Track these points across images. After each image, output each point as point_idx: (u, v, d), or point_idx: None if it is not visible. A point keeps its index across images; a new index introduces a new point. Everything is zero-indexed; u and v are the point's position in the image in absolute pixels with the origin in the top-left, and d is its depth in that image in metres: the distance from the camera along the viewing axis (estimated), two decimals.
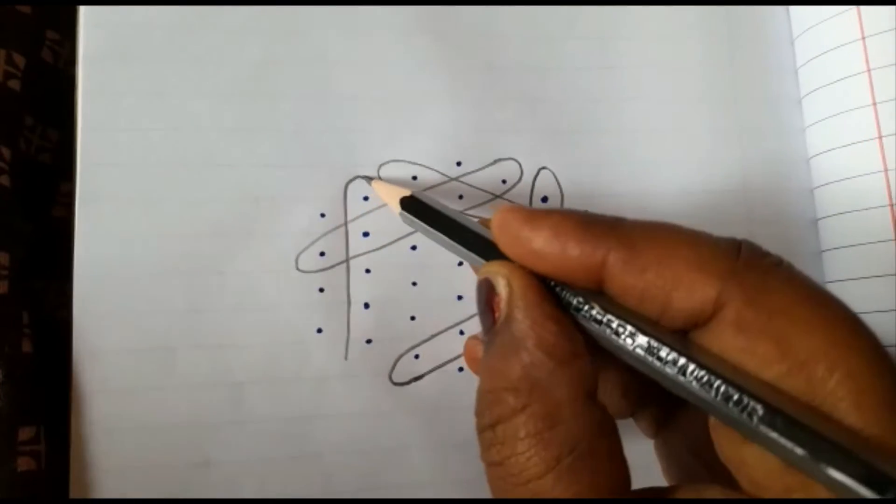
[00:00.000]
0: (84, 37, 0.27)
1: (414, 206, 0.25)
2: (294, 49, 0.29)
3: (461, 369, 0.28)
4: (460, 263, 0.29)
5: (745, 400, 0.16)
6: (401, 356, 0.28)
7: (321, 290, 0.28)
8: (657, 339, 0.18)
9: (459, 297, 0.28)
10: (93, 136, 0.27)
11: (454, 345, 0.28)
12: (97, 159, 0.27)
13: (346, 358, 0.27)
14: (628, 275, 0.18)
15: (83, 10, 0.27)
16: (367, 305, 0.28)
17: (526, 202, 0.29)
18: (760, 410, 0.16)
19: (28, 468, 0.25)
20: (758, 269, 0.18)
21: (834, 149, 0.30)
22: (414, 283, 0.28)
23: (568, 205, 0.29)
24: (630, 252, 0.18)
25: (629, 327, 0.18)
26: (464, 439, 0.27)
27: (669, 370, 0.17)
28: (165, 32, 0.28)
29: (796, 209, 0.31)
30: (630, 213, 0.29)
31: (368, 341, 0.28)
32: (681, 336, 0.18)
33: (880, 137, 0.29)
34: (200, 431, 0.26)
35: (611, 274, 0.18)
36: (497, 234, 0.20)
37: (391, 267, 0.28)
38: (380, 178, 0.28)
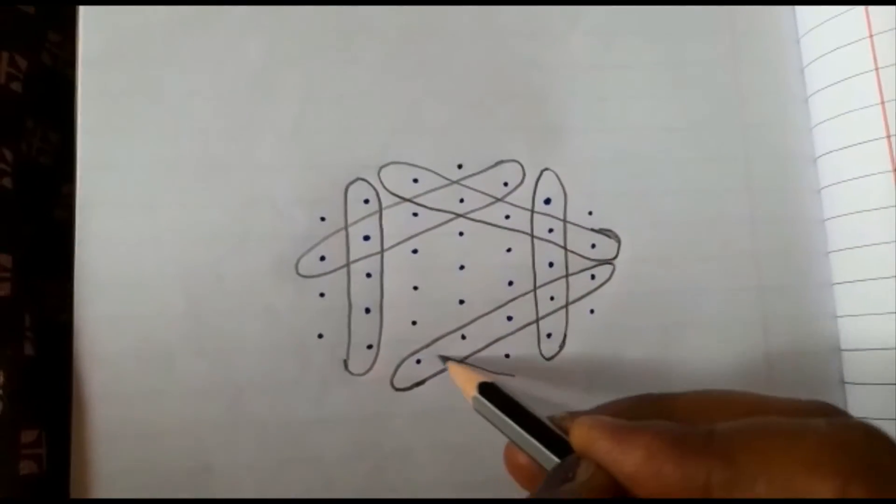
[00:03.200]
0: (84, 39, 0.27)
1: (491, 393, 0.24)
2: (293, 51, 0.28)
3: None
4: (462, 267, 0.28)
5: None
6: (402, 361, 0.28)
7: (322, 294, 0.27)
8: None
9: (461, 302, 0.28)
10: (92, 138, 0.27)
11: (456, 349, 0.28)
12: (97, 163, 0.27)
13: (347, 363, 0.27)
14: (737, 493, 0.17)
15: (82, 13, 0.27)
16: (367, 310, 0.28)
17: (528, 204, 0.29)
18: None
19: (30, 471, 0.25)
20: (876, 459, 0.17)
21: (841, 148, 0.30)
22: (415, 288, 0.28)
23: (571, 205, 0.29)
24: (734, 470, 0.17)
25: None
26: (465, 444, 0.27)
27: None
28: (164, 35, 0.28)
29: (803, 209, 0.31)
30: (634, 214, 0.29)
31: (369, 346, 0.28)
32: None
33: (888, 136, 0.28)
34: (201, 436, 0.26)
35: (717, 495, 0.17)
36: (582, 452, 0.20)
37: (392, 271, 0.28)
38: (457, 362, 0.27)
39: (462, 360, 0.28)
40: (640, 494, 0.18)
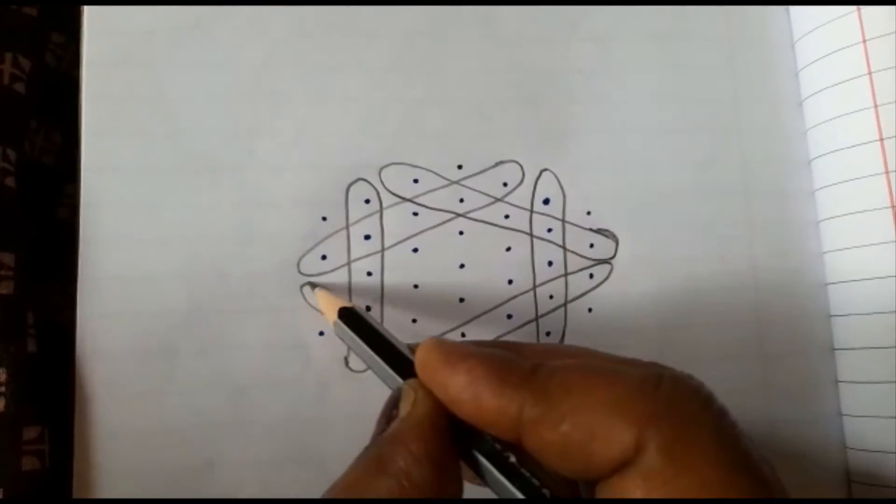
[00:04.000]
0: (88, 40, 0.27)
1: (351, 318, 0.24)
2: (295, 52, 0.29)
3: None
4: (462, 266, 0.29)
5: None
6: None
7: None
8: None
9: (461, 300, 0.28)
10: (96, 140, 0.27)
11: None
12: (100, 163, 0.27)
13: (348, 361, 0.28)
14: (545, 430, 0.17)
15: (87, 14, 0.27)
16: (368, 308, 0.28)
17: (528, 204, 0.29)
18: None
19: (33, 467, 0.25)
20: (680, 414, 0.16)
21: (835, 151, 0.30)
22: (416, 286, 0.28)
23: (570, 206, 0.30)
24: (545, 404, 0.17)
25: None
26: None
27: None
28: (168, 36, 0.28)
29: (798, 211, 0.31)
30: (632, 214, 0.29)
31: None
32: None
33: (881, 140, 0.29)
34: (203, 433, 0.26)
35: (527, 429, 0.17)
36: (419, 372, 0.20)
37: (393, 270, 0.28)
38: (322, 287, 0.27)
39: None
40: (462, 417, 0.18)
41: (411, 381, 0.20)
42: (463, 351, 0.19)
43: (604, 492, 0.17)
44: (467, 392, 0.18)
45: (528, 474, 0.18)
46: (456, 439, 0.19)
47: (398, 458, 0.17)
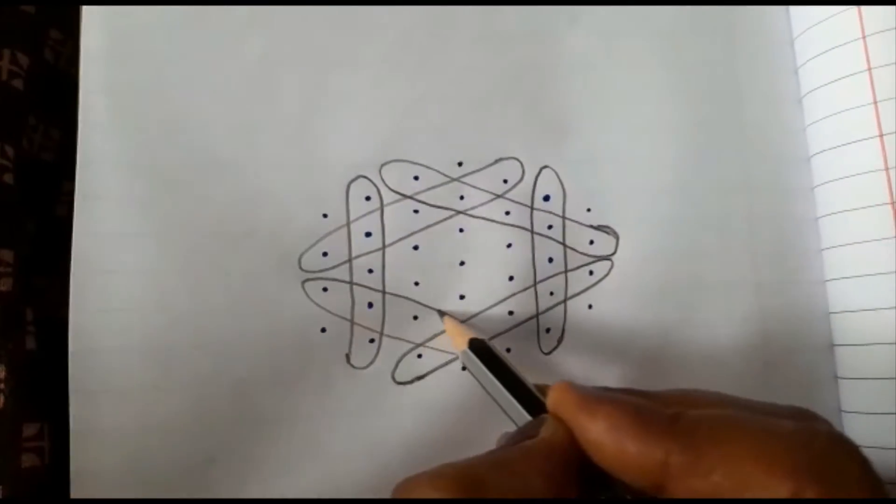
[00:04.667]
0: (86, 36, 0.27)
1: (481, 350, 0.25)
2: (295, 48, 0.29)
3: (464, 368, 0.28)
4: (462, 263, 0.29)
5: None
6: (404, 355, 0.28)
7: (324, 289, 0.28)
8: None
9: (462, 297, 0.28)
10: (93, 134, 0.27)
11: None
12: (97, 158, 0.27)
13: (349, 357, 0.28)
14: (694, 479, 0.17)
15: (86, 11, 0.27)
16: (370, 305, 0.28)
17: (528, 201, 0.29)
18: None
19: (32, 464, 0.25)
20: (838, 472, 0.17)
21: (835, 147, 0.30)
22: (416, 283, 0.28)
23: (570, 202, 0.30)
24: (693, 454, 0.17)
25: None
26: (466, 438, 0.27)
27: None
28: (167, 32, 0.28)
29: (797, 207, 0.31)
30: (632, 211, 0.29)
31: (371, 340, 0.28)
32: None
33: (881, 136, 0.29)
34: (203, 430, 0.26)
35: (673, 477, 0.17)
36: (556, 412, 0.20)
37: (393, 267, 0.28)
38: (451, 316, 0.28)
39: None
40: (600, 463, 0.19)
41: (553, 418, 0.20)
42: (599, 396, 0.19)
43: None
44: (609, 437, 0.18)
45: None
46: (582, 483, 0.19)
47: (524, 465, 0.18)
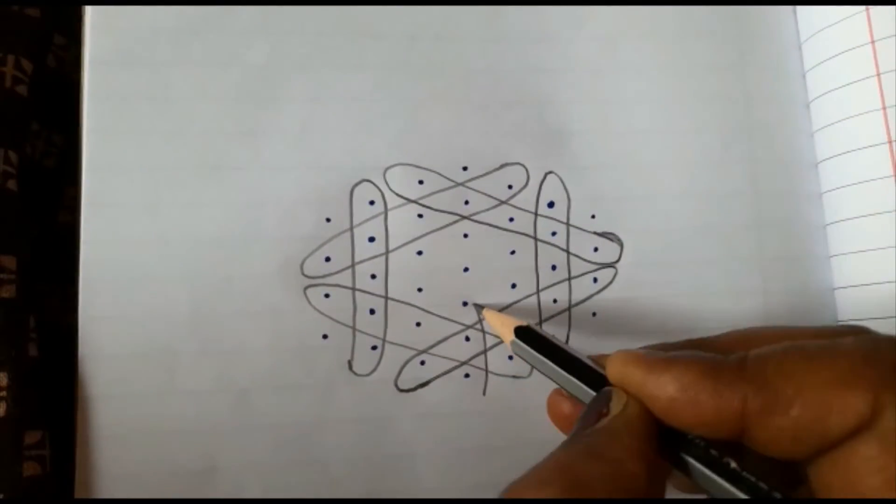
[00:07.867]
0: (90, 41, 0.27)
1: (528, 336, 0.24)
2: (300, 53, 0.28)
3: (467, 375, 0.28)
4: (466, 269, 0.28)
5: None
6: (406, 362, 0.28)
7: (326, 295, 0.27)
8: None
9: (464, 304, 0.28)
10: (98, 140, 0.27)
11: (460, 351, 0.28)
12: (102, 164, 0.27)
13: (351, 364, 0.27)
14: (775, 417, 0.17)
15: (89, 15, 0.27)
16: (372, 311, 0.28)
17: (532, 207, 0.29)
18: None
19: (33, 473, 0.25)
20: None
21: (843, 153, 0.30)
22: (420, 290, 0.28)
23: (574, 209, 0.29)
24: (769, 393, 0.17)
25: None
26: (470, 445, 0.27)
27: None
28: (170, 36, 0.28)
29: (805, 214, 0.31)
30: (637, 218, 0.29)
31: (374, 347, 0.28)
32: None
33: (890, 142, 0.28)
34: (206, 437, 0.26)
35: (755, 421, 0.17)
36: (619, 384, 0.20)
37: (397, 273, 0.28)
38: (490, 308, 0.28)
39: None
40: (675, 424, 0.19)
41: (612, 389, 0.20)
42: (660, 360, 0.19)
43: (825, 464, 0.17)
44: (683, 396, 0.18)
45: (753, 479, 0.17)
46: (663, 445, 0.19)
47: (614, 449, 0.17)
